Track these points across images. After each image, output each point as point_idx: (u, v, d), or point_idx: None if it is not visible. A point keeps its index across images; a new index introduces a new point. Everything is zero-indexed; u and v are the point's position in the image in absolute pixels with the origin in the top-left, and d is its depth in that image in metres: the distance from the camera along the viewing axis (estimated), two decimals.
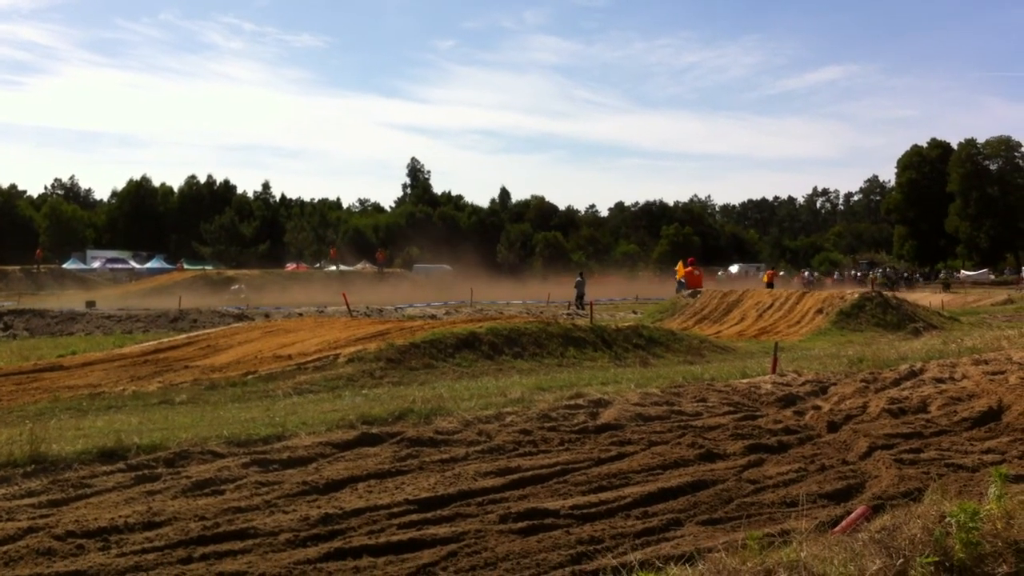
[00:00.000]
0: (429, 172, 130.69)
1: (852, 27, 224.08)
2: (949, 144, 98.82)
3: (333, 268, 79.99)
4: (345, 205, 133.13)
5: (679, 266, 44.57)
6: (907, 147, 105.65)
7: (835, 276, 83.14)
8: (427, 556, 5.71)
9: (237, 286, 62.14)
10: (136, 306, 42.72)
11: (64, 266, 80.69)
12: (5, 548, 5.77)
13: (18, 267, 74.18)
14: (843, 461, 8.27)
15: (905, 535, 4.94)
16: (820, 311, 30.14)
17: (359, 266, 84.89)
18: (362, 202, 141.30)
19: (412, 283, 73.75)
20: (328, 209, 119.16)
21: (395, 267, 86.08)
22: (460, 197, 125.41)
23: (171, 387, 14.23)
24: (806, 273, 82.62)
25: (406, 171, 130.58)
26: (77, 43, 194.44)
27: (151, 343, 20.49)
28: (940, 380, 13.05)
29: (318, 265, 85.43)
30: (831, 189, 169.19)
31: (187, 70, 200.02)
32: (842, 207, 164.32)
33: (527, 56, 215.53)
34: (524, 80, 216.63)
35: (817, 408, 11.10)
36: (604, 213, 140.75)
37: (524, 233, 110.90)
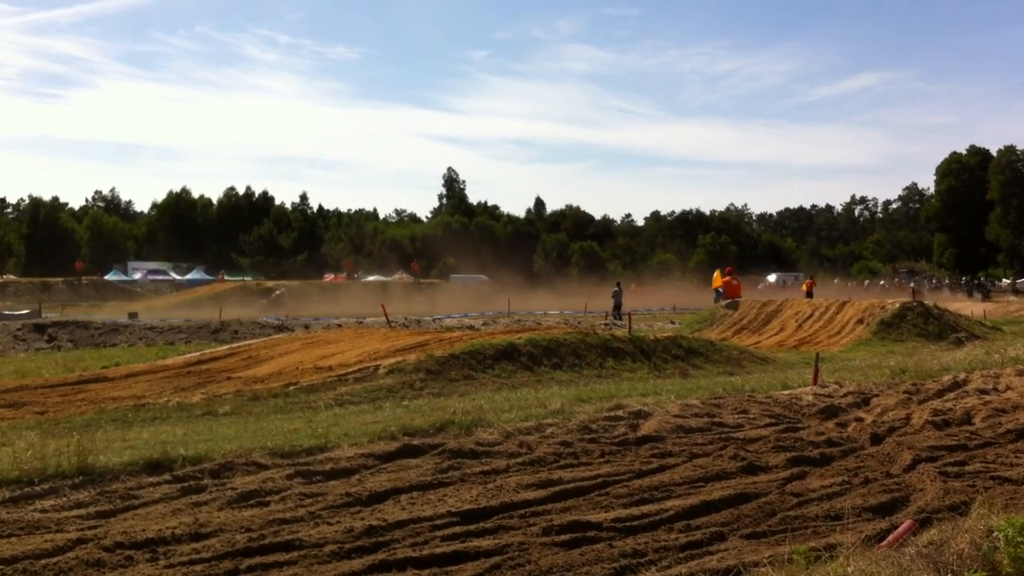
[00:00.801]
0: (464, 182, 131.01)
1: (887, 33, 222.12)
2: (988, 151, 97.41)
3: (366, 279, 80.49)
4: (382, 216, 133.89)
5: (716, 275, 44.33)
6: (945, 154, 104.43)
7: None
8: (471, 569, 5.74)
9: (279, 291, 62.68)
10: (177, 317, 43.16)
11: (106, 278, 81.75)
12: (55, 559, 5.84)
13: (61, 279, 75.28)
14: (887, 474, 8.20)
15: (953, 550, 4.92)
16: (860, 321, 29.89)
17: (395, 276, 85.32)
18: (398, 212, 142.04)
19: (449, 293, 73.95)
20: (365, 220, 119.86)
21: (431, 277, 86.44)
22: (496, 207, 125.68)
23: (214, 398, 14.37)
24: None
25: (442, 181, 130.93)
26: (114, 56, 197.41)
27: (193, 354, 20.69)
28: (984, 391, 12.93)
29: (356, 276, 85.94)
30: (869, 197, 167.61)
31: (224, 82, 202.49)
32: (880, 215, 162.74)
33: (560, 65, 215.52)
34: (558, 89, 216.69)
35: (860, 420, 11.02)
36: (640, 222, 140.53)
37: (560, 243, 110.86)
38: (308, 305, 58.04)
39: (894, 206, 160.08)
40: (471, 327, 33.86)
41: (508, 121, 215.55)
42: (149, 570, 5.73)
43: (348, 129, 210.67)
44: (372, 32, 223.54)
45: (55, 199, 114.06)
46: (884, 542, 5.52)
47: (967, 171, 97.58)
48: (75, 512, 7.04)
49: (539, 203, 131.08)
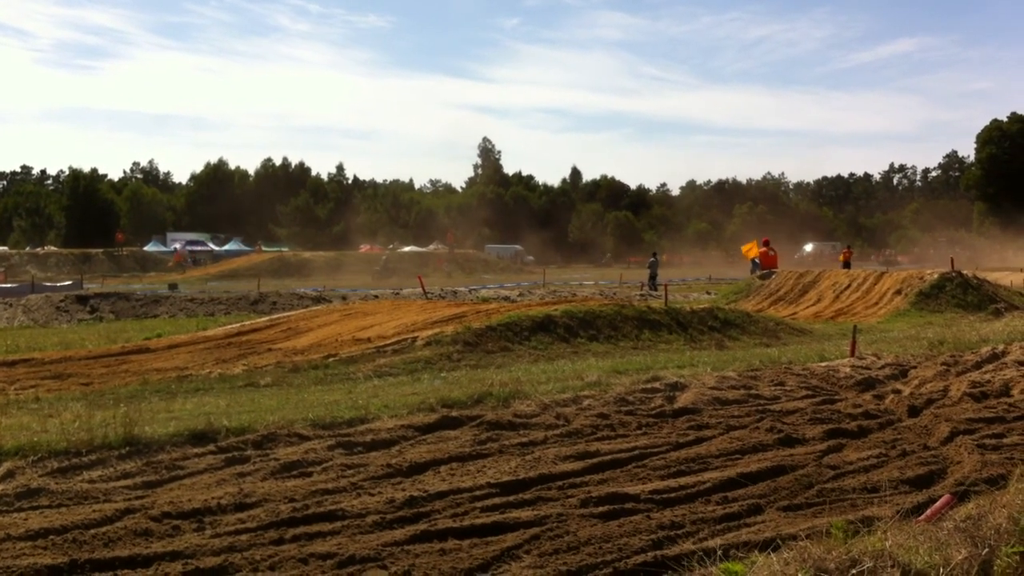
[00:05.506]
0: (500, 152, 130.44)
1: None
2: None
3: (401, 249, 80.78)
4: (417, 186, 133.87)
5: (752, 245, 44.06)
6: (985, 120, 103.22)
7: None
8: (511, 539, 5.80)
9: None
10: (216, 288, 43.52)
11: (145, 249, 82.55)
12: (104, 529, 5.96)
13: (101, 250, 76.15)
14: (924, 446, 8.20)
15: (990, 524, 4.93)
16: (899, 292, 29.61)
17: (432, 247, 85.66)
18: (433, 183, 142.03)
19: (484, 264, 74.11)
20: (400, 190, 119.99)
21: (467, 248, 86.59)
22: (531, 177, 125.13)
23: (255, 370, 14.49)
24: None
25: (477, 151, 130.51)
26: (147, 27, 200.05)
27: (234, 326, 20.83)
28: (1022, 363, 12.83)
29: (391, 247, 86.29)
30: (908, 165, 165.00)
31: (256, 52, 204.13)
32: (920, 183, 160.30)
33: (592, 33, 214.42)
34: (590, 57, 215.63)
35: (897, 392, 11.00)
36: (675, 192, 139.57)
37: (595, 213, 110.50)
38: (343, 276, 58.47)
39: (934, 174, 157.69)
40: (507, 298, 33.91)
41: (541, 90, 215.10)
42: (196, 539, 5.82)
43: (381, 99, 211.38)
44: (402, 1, 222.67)
45: (94, 171, 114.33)
46: (922, 516, 5.54)
47: (1008, 139, 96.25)
48: (122, 483, 7.18)
49: (575, 173, 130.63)
